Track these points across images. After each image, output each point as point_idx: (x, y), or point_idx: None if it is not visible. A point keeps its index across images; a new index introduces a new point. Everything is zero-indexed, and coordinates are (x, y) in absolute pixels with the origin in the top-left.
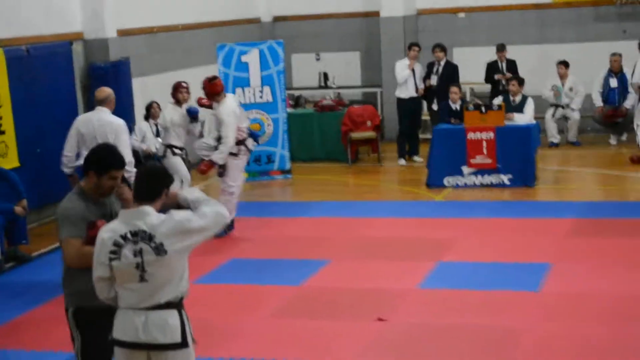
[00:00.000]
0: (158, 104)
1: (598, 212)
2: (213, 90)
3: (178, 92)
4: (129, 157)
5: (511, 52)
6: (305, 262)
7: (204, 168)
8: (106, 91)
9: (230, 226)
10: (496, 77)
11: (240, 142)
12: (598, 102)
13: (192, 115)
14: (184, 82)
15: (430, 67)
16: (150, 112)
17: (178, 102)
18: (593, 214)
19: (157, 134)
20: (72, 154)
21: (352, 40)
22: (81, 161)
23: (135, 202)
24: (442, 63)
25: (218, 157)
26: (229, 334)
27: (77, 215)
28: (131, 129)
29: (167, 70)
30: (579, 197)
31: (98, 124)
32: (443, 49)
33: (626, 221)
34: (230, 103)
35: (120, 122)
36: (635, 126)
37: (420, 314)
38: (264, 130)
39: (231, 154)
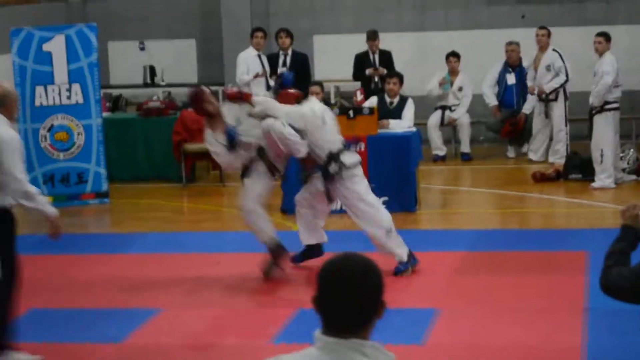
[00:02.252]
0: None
1: (493, 243)
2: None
3: None
4: (25, 186)
5: (385, 42)
6: (127, 313)
7: None
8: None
9: None
10: (367, 72)
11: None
12: (492, 100)
13: None
14: None
15: (273, 59)
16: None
17: None
18: (487, 245)
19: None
20: None
21: (185, 25)
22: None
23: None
24: (289, 52)
25: None
26: None
27: None
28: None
29: None
30: (470, 225)
31: None
32: (289, 34)
33: (527, 254)
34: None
35: (7, 136)
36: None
37: None
38: (73, 141)
39: None
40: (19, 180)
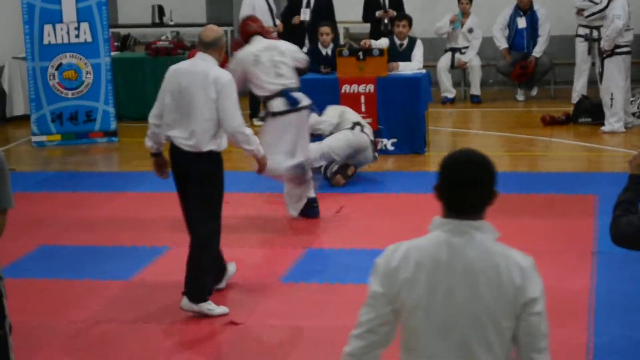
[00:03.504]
0: None
1: (502, 185)
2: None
3: None
4: (238, 123)
5: None
6: (136, 250)
7: None
8: (214, 31)
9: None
10: (377, 14)
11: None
12: (502, 43)
13: None
14: None
15: (294, 0)
16: None
17: None
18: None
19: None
20: (157, 121)
21: None
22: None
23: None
24: None
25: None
26: (34, 345)
27: None
28: None
29: None
30: None
31: (192, 77)
32: None
33: (536, 197)
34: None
35: (227, 78)
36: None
37: (283, 314)
38: (82, 80)
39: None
40: (237, 121)
